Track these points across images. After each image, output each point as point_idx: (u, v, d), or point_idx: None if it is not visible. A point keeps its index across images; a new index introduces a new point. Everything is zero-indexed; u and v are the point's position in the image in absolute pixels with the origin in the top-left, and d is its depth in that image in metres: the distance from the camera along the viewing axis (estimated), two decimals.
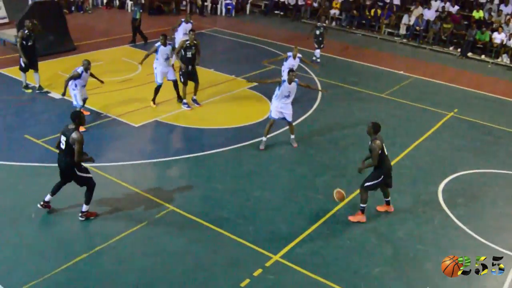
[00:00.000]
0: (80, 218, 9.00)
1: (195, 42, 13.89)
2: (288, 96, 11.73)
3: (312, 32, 19.16)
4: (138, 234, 8.78)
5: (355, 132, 13.56)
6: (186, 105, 14.16)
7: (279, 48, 20.92)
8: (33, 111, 13.25)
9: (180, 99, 14.49)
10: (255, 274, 8.01)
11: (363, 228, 9.42)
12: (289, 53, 14.47)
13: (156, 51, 13.91)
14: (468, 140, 13.76)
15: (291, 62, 14.27)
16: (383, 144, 9.13)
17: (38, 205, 9.08)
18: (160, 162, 11.40)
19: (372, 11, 25.79)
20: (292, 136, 12.39)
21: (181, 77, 13.99)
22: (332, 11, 27.02)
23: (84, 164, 8.90)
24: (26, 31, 14.08)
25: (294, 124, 12.53)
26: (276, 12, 28.65)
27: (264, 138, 12.11)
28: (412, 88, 17.79)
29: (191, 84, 14.12)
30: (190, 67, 13.88)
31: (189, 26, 16.88)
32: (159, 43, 13.84)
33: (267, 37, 22.99)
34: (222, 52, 20.90)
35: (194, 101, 14.36)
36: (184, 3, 27.77)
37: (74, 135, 8.30)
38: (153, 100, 14.13)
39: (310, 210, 9.88)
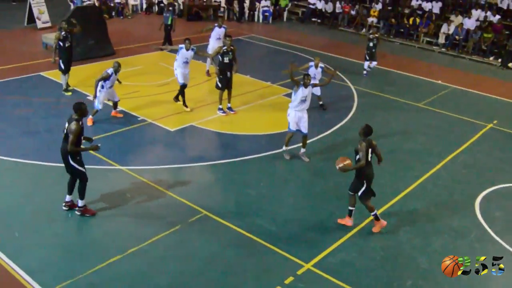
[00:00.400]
0: (77, 213, 9.20)
1: (232, 47, 13.93)
2: (304, 101, 11.45)
3: (366, 44, 18.66)
4: (171, 237, 8.86)
5: (391, 142, 13.40)
6: (222, 111, 14.23)
7: (316, 56, 20.81)
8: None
9: (177, 99, 14.52)
10: (287, 282, 7.98)
11: (397, 240, 9.30)
12: (311, 63, 14.30)
13: (177, 52, 14.09)
14: (507, 152, 13.44)
15: (313, 72, 14.12)
16: (370, 149, 8.98)
17: (63, 208, 9.32)
18: (194, 166, 11.49)
19: (411, 19, 25.51)
20: (303, 150, 11.99)
21: (218, 83, 14.05)
22: (370, 19, 26.82)
23: (96, 153, 8.97)
24: (63, 33, 14.36)
25: (329, 131, 12.45)
26: (313, 19, 28.61)
27: (286, 148, 11.93)
28: (450, 98, 17.50)
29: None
30: (228, 73, 13.93)
31: (222, 30, 16.93)
32: (182, 46, 13.96)
33: (304, 45, 22.96)
34: (258, 58, 20.96)
35: (229, 109, 14.40)
36: (222, 9, 27.99)
37: (72, 125, 8.62)
38: (184, 103, 14.25)
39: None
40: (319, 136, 13.05)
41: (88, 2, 23.60)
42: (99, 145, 9.07)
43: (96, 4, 24.28)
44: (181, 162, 11.60)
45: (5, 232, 8.65)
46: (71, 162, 8.84)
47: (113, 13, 25.86)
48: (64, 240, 8.71)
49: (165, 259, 8.34)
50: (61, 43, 14.34)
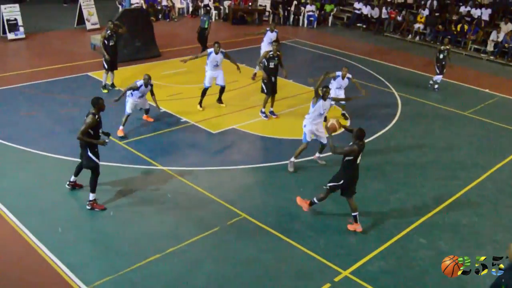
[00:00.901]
0: (87, 207, 9.42)
1: (278, 53, 13.94)
2: (322, 114, 11.27)
3: (436, 56, 17.93)
4: (209, 239, 8.93)
5: (435, 151, 13.17)
6: (264, 115, 14.26)
7: (360, 62, 20.73)
8: (117, 114, 13.70)
9: (220, 101, 14.79)
10: None
11: (438, 250, 9.12)
12: (338, 73, 13.89)
13: (207, 56, 14.20)
14: None
15: (340, 82, 13.83)
16: (360, 154, 9.04)
17: (66, 185, 9.91)
18: (235, 169, 11.55)
19: (459, 26, 24.98)
20: (319, 155, 11.93)
21: (263, 87, 14.06)
22: (416, 25, 26.41)
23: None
24: (109, 32, 14.86)
25: (371, 138, 12.35)
26: (358, 25, 28.35)
27: (295, 160, 11.61)
28: (498, 107, 17.07)
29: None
30: (273, 78, 13.94)
31: (273, 35, 16.95)
32: (211, 49, 14.07)
33: (349, 50, 22.77)
34: (301, 63, 20.89)
35: (271, 113, 14.41)
36: (267, 13, 28.07)
37: (88, 118, 9.00)
38: (200, 103, 14.42)
39: (383, 227, 9.68)
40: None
41: (136, 5, 24.06)
42: (106, 141, 9.35)
43: (144, 6, 24.72)
44: (221, 164, 11.68)
45: (49, 228, 8.90)
46: (88, 153, 9.17)
47: (160, 16, 26.28)
48: (104, 237, 8.90)
49: (202, 261, 8.40)
50: (106, 41, 14.82)
